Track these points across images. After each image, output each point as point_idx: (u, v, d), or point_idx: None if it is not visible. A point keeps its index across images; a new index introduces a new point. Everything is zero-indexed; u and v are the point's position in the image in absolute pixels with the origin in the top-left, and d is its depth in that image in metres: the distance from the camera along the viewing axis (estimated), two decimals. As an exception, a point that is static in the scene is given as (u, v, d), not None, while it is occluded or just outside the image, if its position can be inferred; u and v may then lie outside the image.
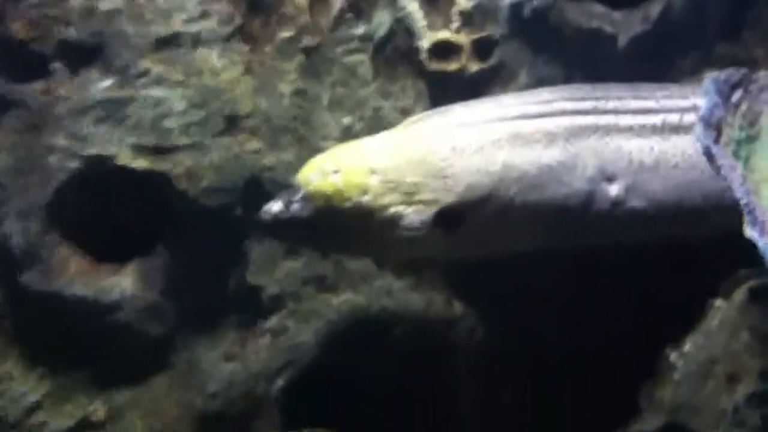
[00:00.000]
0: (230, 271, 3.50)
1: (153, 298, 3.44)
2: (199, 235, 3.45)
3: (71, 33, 3.46)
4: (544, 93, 3.10)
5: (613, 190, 2.92)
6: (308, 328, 3.37)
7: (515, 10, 3.49)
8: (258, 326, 3.45)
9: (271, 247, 3.44)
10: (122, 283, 3.41)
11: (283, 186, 3.25)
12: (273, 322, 3.43)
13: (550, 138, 2.93)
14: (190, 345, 3.48)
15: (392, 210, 2.86)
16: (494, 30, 3.51)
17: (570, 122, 2.97)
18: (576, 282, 3.23)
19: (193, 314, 3.48)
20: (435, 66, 3.52)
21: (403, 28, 3.56)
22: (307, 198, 2.83)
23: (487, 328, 3.37)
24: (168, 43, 3.47)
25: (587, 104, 3.02)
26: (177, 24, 3.49)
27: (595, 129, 2.97)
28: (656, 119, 3.01)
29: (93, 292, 3.37)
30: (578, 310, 3.27)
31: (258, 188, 3.42)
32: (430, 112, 3.12)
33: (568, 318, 3.30)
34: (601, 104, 3.02)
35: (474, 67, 3.51)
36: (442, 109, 3.11)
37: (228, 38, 3.52)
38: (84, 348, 3.43)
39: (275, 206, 2.94)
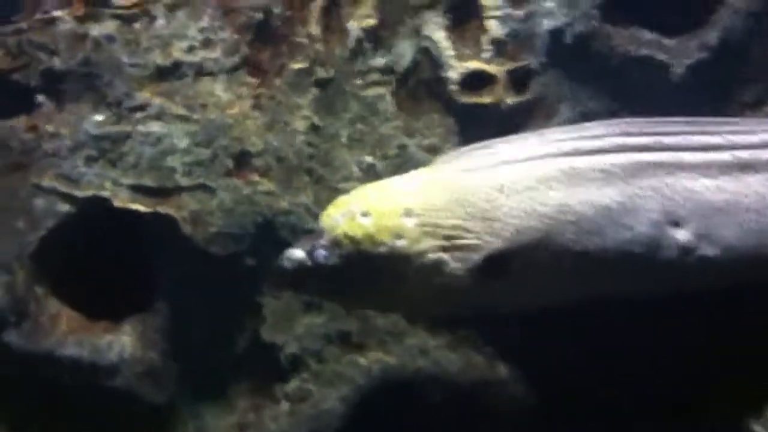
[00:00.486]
0: (242, 328, 3.27)
1: (154, 359, 3.21)
2: (206, 287, 3.21)
3: (57, 62, 3.26)
4: (596, 127, 2.86)
5: (682, 235, 2.68)
6: (333, 394, 3.14)
7: (555, 36, 3.27)
8: (275, 391, 3.21)
9: (288, 301, 3.21)
10: (120, 342, 3.18)
11: (300, 232, 3.07)
12: (292, 386, 3.19)
13: (607, 176, 2.69)
14: (196, 414, 3.26)
15: (431, 257, 2.60)
16: (531, 59, 3.30)
17: (627, 159, 2.73)
18: (642, 336, 3.00)
19: (199, 378, 3.25)
20: (466, 99, 3.29)
21: (427, 58, 3.35)
22: (334, 243, 2.62)
23: (537, 395, 3.13)
24: (168, 73, 3.25)
25: (645, 139, 2.78)
26: (177, 52, 3.26)
27: (656, 167, 2.73)
28: (724, 156, 2.78)
29: (87, 353, 3.13)
30: (647, 370, 3.03)
31: (272, 234, 3.19)
32: (468, 148, 2.87)
33: (638, 383, 3.04)
34: (661, 139, 2.78)
35: (510, 99, 3.28)
36: (482, 144, 2.86)
37: (234, 69, 3.30)
38: (76, 418, 3.19)
39: (297, 253, 2.65)
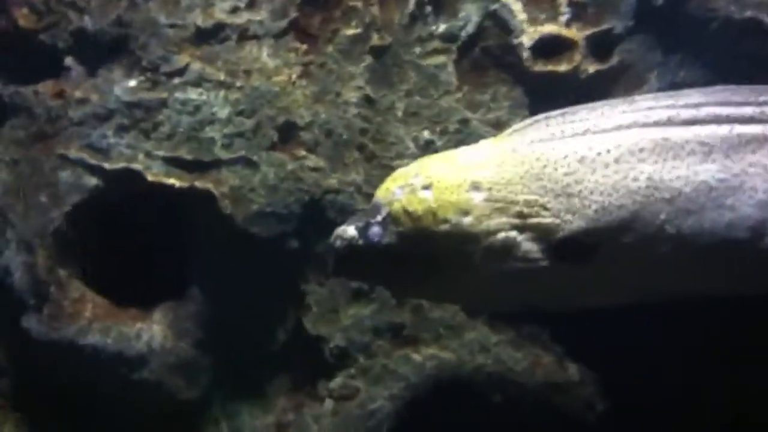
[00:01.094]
0: (283, 318, 3.15)
1: (186, 351, 3.09)
2: (245, 272, 3.09)
3: (88, 21, 3.14)
4: (694, 94, 2.61)
5: None
6: (383, 392, 3.00)
7: None
8: (318, 388, 3.09)
9: (335, 289, 3.07)
10: (149, 331, 3.07)
11: (349, 213, 2.92)
12: (338, 382, 3.06)
13: (707, 150, 2.46)
14: (230, 412, 3.16)
15: (501, 236, 2.40)
16: (615, 23, 3.07)
17: (730, 131, 2.49)
18: (737, 342, 2.84)
19: (235, 372, 3.14)
20: (540, 67, 3.08)
21: (496, 23, 3.13)
22: (391, 220, 2.43)
23: (610, 399, 2.96)
24: (208, 36, 3.10)
25: (751, 110, 2.53)
26: (219, 14, 3.11)
27: (761, 140, 2.49)
28: None
29: (113, 342, 3.02)
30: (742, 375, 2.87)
31: (318, 215, 3.04)
32: (543, 115, 2.64)
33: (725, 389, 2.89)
34: (767, 110, 2.52)
35: (591, 68, 3.06)
36: (560, 111, 2.63)
37: (281, 34, 3.14)
38: (99, 414, 3.10)
39: (349, 230, 2.46)
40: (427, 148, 3.07)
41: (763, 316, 2.74)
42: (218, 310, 3.09)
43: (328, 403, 3.03)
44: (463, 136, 3.08)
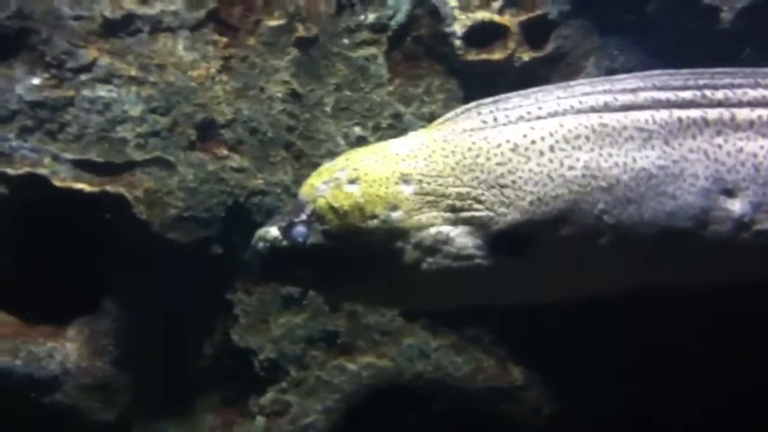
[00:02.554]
0: (209, 330, 3.14)
1: (103, 370, 3.06)
2: (165, 282, 3.05)
3: None
4: (631, 80, 2.64)
5: (736, 206, 2.48)
6: (316, 405, 3.00)
7: None
8: (249, 404, 3.07)
9: (263, 297, 3.06)
10: (62, 350, 3.03)
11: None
12: (268, 398, 3.05)
13: (645, 136, 2.50)
14: None
15: (433, 231, 2.38)
16: (550, 8, 3.11)
17: (669, 116, 2.53)
18: (686, 336, 2.90)
19: (158, 391, 3.11)
20: (473, 56, 3.10)
21: (427, 10, 3.15)
22: (316, 217, 2.40)
23: (555, 402, 2.99)
24: (118, 28, 3.05)
25: (690, 94, 2.58)
26: (130, 4, 3.05)
27: (704, 125, 2.54)
28: None
29: (23, 363, 2.97)
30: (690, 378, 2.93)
31: (243, 218, 3.02)
32: (475, 104, 2.64)
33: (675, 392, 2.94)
34: (710, 93, 2.59)
35: (526, 55, 3.09)
36: (493, 99, 2.64)
37: (198, 25, 3.11)
38: None
39: (272, 231, 2.43)
40: (359, 145, 3.06)
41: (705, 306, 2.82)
42: (138, 325, 3.06)
43: (260, 421, 3.01)
44: (397, 131, 3.07)
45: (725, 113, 2.54)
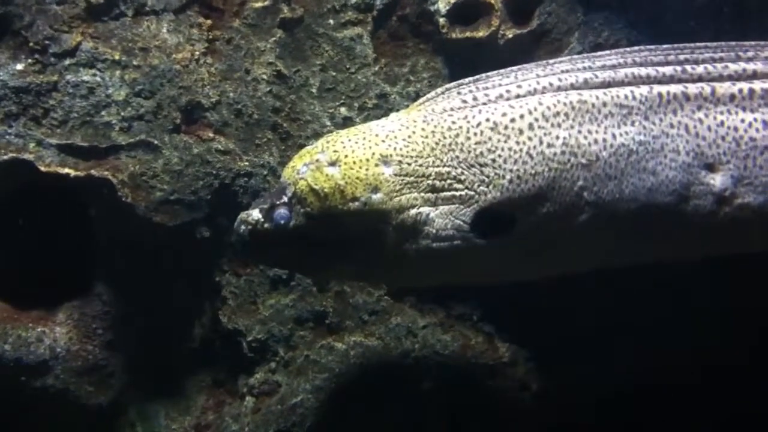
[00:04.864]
0: (198, 312, 3.17)
1: (94, 353, 3.08)
2: (153, 264, 3.09)
3: None
4: (611, 56, 2.68)
5: (718, 181, 2.52)
6: (305, 385, 3.04)
7: None
8: (238, 384, 3.11)
9: (251, 278, 3.09)
10: (51, 334, 3.05)
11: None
12: (258, 378, 3.09)
13: (625, 112, 2.52)
14: (146, 415, 3.16)
15: (414, 212, 2.43)
16: None
17: (649, 92, 2.56)
18: (668, 310, 2.94)
19: (149, 373, 3.14)
20: (457, 34, 3.13)
21: None
22: (297, 200, 2.43)
23: (543, 378, 3.03)
24: (101, 12, 3.06)
25: (670, 69, 2.62)
26: (113, -13, 3.04)
27: (684, 100, 2.57)
28: (764, 86, 2.61)
29: (12, 347, 2.99)
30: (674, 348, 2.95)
31: (229, 201, 3.05)
32: (455, 84, 2.67)
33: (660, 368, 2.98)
34: (689, 68, 2.62)
35: (510, 32, 3.12)
36: (472, 79, 2.67)
37: (182, 8, 3.13)
38: (1, 427, 3.05)
39: (253, 214, 2.46)
40: (345, 126, 3.08)
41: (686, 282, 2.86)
42: (128, 307, 3.09)
43: (249, 401, 3.04)
44: (383, 111, 3.11)
45: (706, 88, 2.56)
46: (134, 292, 3.09)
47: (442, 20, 3.12)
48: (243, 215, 2.45)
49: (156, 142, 3.04)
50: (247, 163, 3.09)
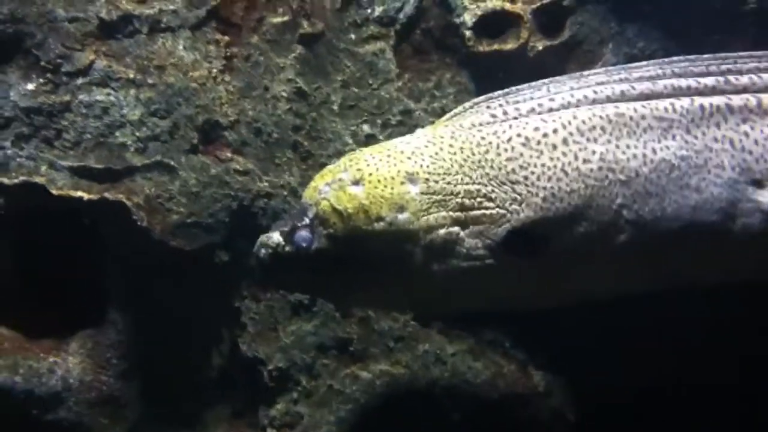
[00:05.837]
0: (217, 340, 3.11)
1: (108, 384, 3.04)
2: (170, 290, 3.03)
3: None
4: (649, 67, 2.60)
5: (767, 198, 2.42)
6: (329, 416, 2.97)
7: None
8: (259, 416, 3.04)
9: (272, 304, 3.03)
10: (64, 364, 3.01)
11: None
12: (280, 408, 3.02)
13: (665, 126, 2.45)
14: None
15: (442, 233, 2.34)
16: None
17: (691, 104, 2.48)
18: (714, 342, 2.85)
19: (165, 404, 3.08)
20: (484, 47, 3.06)
21: (436, 2, 3.12)
22: (319, 221, 2.36)
23: (578, 408, 2.95)
24: (115, 29, 3.03)
25: (711, 80, 2.53)
26: (127, 4, 3.03)
27: (727, 112, 2.48)
28: None
29: (23, 379, 2.95)
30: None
31: (249, 223, 2.99)
32: (484, 98, 2.60)
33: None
34: (734, 78, 2.53)
35: (540, 44, 3.05)
36: (502, 92, 2.60)
37: (199, 24, 3.08)
38: None
39: (274, 237, 2.39)
40: (368, 144, 3.00)
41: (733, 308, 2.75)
42: (143, 336, 3.04)
43: (270, 433, 2.95)
44: (407, 128, 3.04)
45: (751, 99, 2.49)
46: (150, 320, 3.04)
47: (468, 33, 3.06)
48: (263, 238, 2.39)
49: (172, 163, 2.99)
50: (266, 184, 3.03)
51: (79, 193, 2.93)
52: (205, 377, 3.08)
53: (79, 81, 2.99)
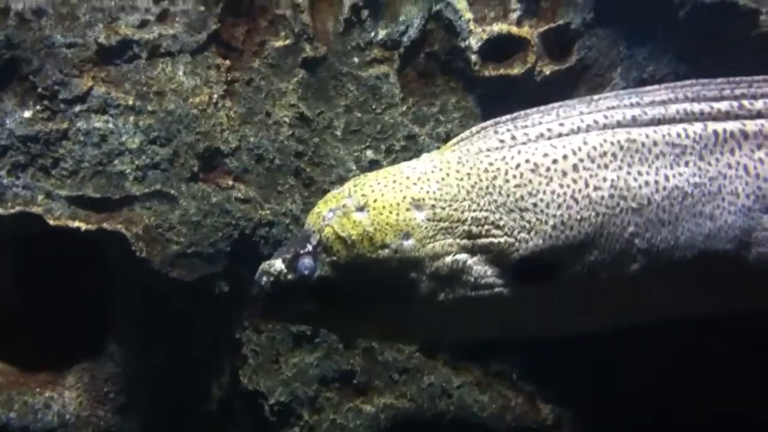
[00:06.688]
0: (217, 372, 3.09)
1: (105, 419, 3.00)
2: (170, 322, 3.00)
3: None
4: (661, 91, 2.56)
5: None
6: None
7: None
8: None
9: (275, 335, 3.00)
10: (60, 399, 2.98)
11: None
12: None
13: (678, 152, 2.41)
14: None
15: (449, 260, 2.31)
16: (572, 16, 3.03)
17: (704, 129, 2.44)
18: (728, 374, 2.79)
19: None
20: (490, 72, 3.02)
21: (440, 24, 3.08)
22: (322, 248, 2.32)
23: None
24: (114, 55, 3.00)
25: (724, 105, 2.50)
26: (125, 28, 3.01)
27: (741, 138, 2.45)
28: None
29: (17, 415, 2.92)
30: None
31: (250, 252, 2.95)
32: (492, 122, 2.56)
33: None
34: (747, 104, 2.50)
35: (547, 69, 3.01)
36: (510, 116, 2.56)
37: (200, 49, 3.05)
38: None
39: (276, 264, 2.35)
40: (372, 169, 2.94)
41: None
42: (142, 368, 3.01)
43: (273, 469, 2.93)
44: (411, 153, 3.01)
45: (766, 124, 2.45)
46: (149, 352, 3.01)
47: (474, 57, 3.01)
48: (264, 266, 2.35)
49: (172, 191, 2.97)
50: (268, 212, 3.01)
51: (77, 224, 2.90)
52: (205, 411, 3.05)
53: (77, 108, 2.96)
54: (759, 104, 2.49)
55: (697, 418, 2.83)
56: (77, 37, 2.98)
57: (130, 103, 2.98)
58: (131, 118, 2.97)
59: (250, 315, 2.98)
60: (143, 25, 3.03)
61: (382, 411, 2.93)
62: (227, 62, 3.06)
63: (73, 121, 2.95)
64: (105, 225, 2.89)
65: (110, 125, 2.96)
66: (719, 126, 2.43)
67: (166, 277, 2.91)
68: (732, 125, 2.44)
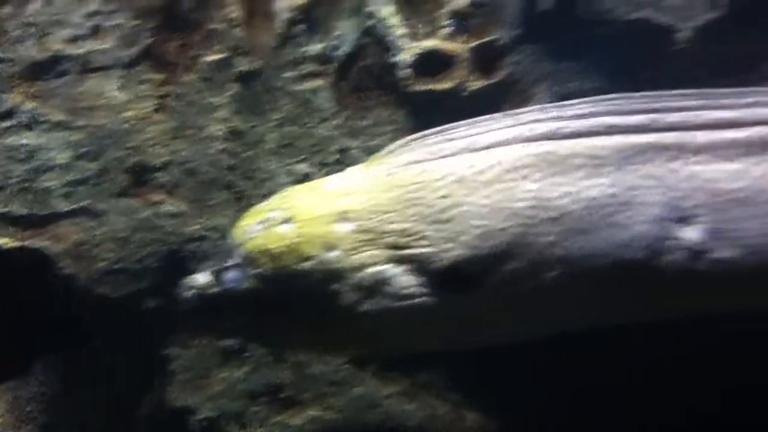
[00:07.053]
0: (144, 389, 3.05)
1: None
2: (95, 339, 2.99)
3: None
4: (580, 104, 2.60)
5: (691, 234, 2.40)
6: None
7: (529, 3, 3.05)
8: None
9: (203, 350, 2.99)
10: None
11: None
12: None
13: (595, 163, 2.44)
14: None
15: (373, 271, 2.34)
16: (501, 33, 3.09)
17: (620, 142, 2.47)
18: (645, 377, 2.82)
19: None
20: (420, 86, 3.07)
21: (374, 40, 3.14)
22: (248, 261, 2.34)
23: None
24: (44, 70, 3.03)
25: (642, 118, 2.53)
26: (57, 44, 3.04)
27: (656, 150, 2.48)
28: (744, 134, 2.51)
29: None
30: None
31: (179, 267, 2.93)
32: (418, 135, 2.59)
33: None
34: (662, 117, 2.53)
35: (476, 83, 3.07)
36: (436, 130, 2.59)
37: (132, 63, 3.09)
38: None
39: (199, 278, 2.38)
40: (305, 182, 3.01)
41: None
42: (67, 386, 2.99)
43: (200, 487, 2.90)
44: (344, 166, 2.97)
45: (679, 137, 2.48)
46: (74, 370, 2.99)
47: (405, 72, 3.06)
48: (188, 279, 2.39)
49: (100, 207, 2.97)
50: (198, 226, 3.01)
51: (1, 240, 2.89)
52: (132, 428, 3.02)
53: (5, 124, 2.97)
54: (674, 117, 2.52)
55: (619, 424, 2.85)
56: (6, 52, 3.00)
57: (60, 118, 2.98)
58: (60, 134, 2.98)
59: (178, 330, 2.97)
60: (75, 40, 3.05)
61: (310, 423, 2.92)
62: (160, 76, 3.08)
63: (0, 137, 2.95)
64: (29, 242, 2.88)
65: (39, 141, 2.97)
66: (636, 138, 2.47)
67: (92, 293, 2.91)
68: (648, 137, 2.47)
